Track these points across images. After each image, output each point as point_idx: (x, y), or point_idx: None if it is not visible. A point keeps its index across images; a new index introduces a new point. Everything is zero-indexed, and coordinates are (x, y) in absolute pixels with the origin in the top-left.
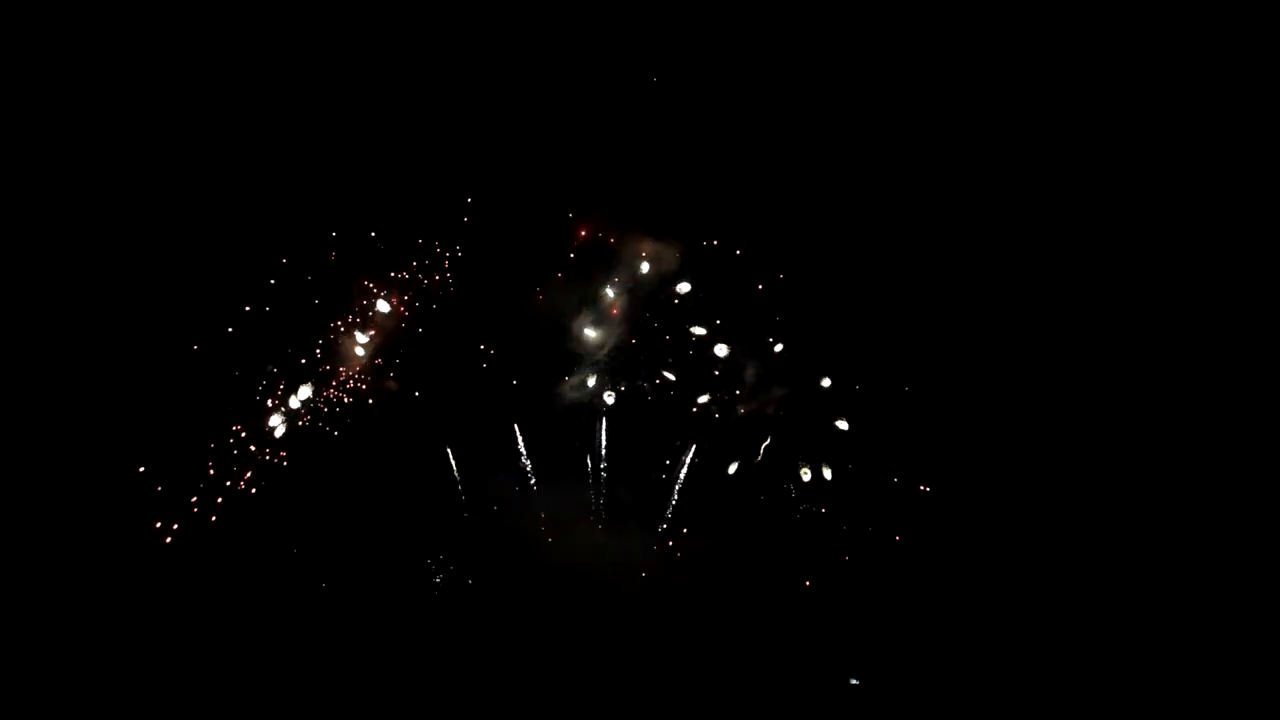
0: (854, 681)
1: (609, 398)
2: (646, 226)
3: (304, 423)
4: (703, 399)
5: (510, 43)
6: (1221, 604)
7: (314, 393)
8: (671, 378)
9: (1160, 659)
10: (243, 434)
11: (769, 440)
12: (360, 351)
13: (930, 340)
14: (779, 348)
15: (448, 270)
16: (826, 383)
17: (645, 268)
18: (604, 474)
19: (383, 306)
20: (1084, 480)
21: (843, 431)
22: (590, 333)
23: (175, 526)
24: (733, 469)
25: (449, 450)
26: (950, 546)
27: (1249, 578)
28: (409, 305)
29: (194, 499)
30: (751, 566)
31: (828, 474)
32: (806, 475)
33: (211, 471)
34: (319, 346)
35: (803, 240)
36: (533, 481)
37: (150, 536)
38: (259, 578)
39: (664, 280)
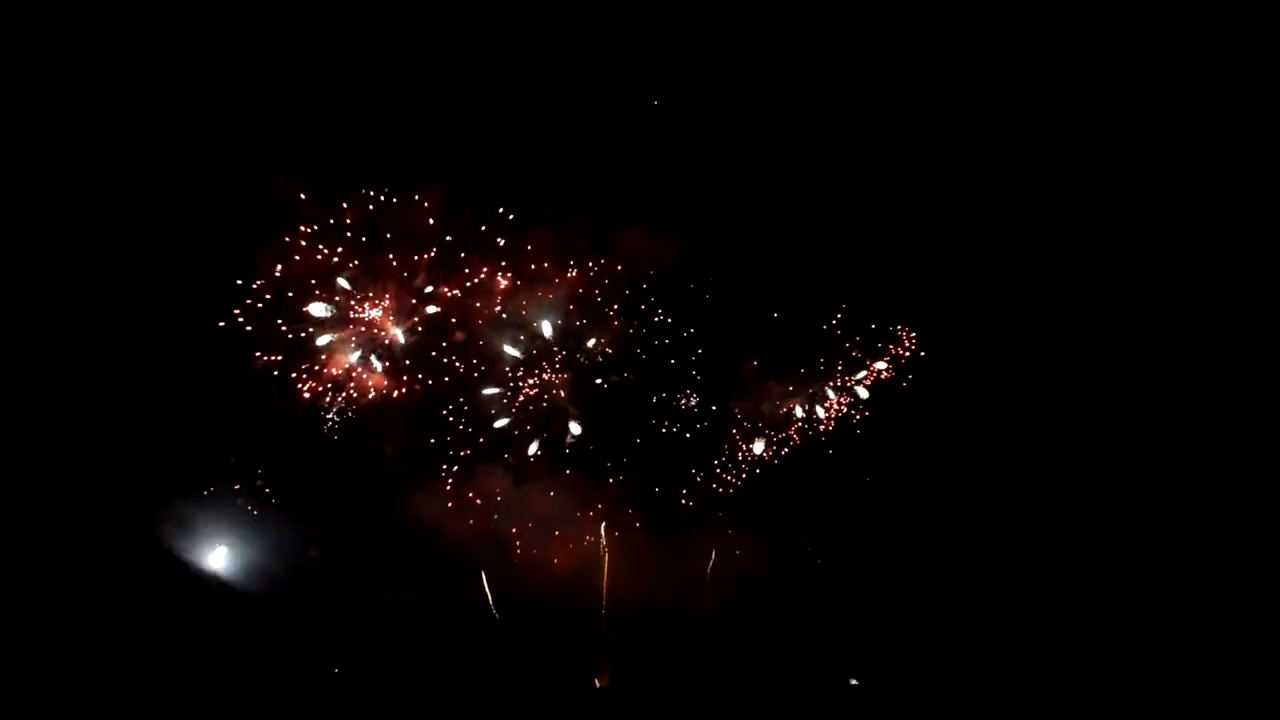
0: (854, 681)
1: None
2: (636, 225)
3: (296, 423)
4: (696, 396)
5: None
6: (1221, 604)
7: (304, 395)
8: (668, 375)
9: (1160, 659)
10: (237, 433)
11: (766, 439)
12: (348, 355)
13: (928, 340)
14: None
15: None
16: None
17: (635, 267)
18: (601, 471)
19: (366, 309)
20: (1083, 480)
21: (843, 430)
22: (590, 335)
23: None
24: (731, 468)
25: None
26: (950, 547)
27: (1249, 578)
28: (394, 307)
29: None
30: (752, 566)
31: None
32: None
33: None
34: (304, 347)
35: (798, 243)
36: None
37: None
38: (259, 576)
39: (656, 279)
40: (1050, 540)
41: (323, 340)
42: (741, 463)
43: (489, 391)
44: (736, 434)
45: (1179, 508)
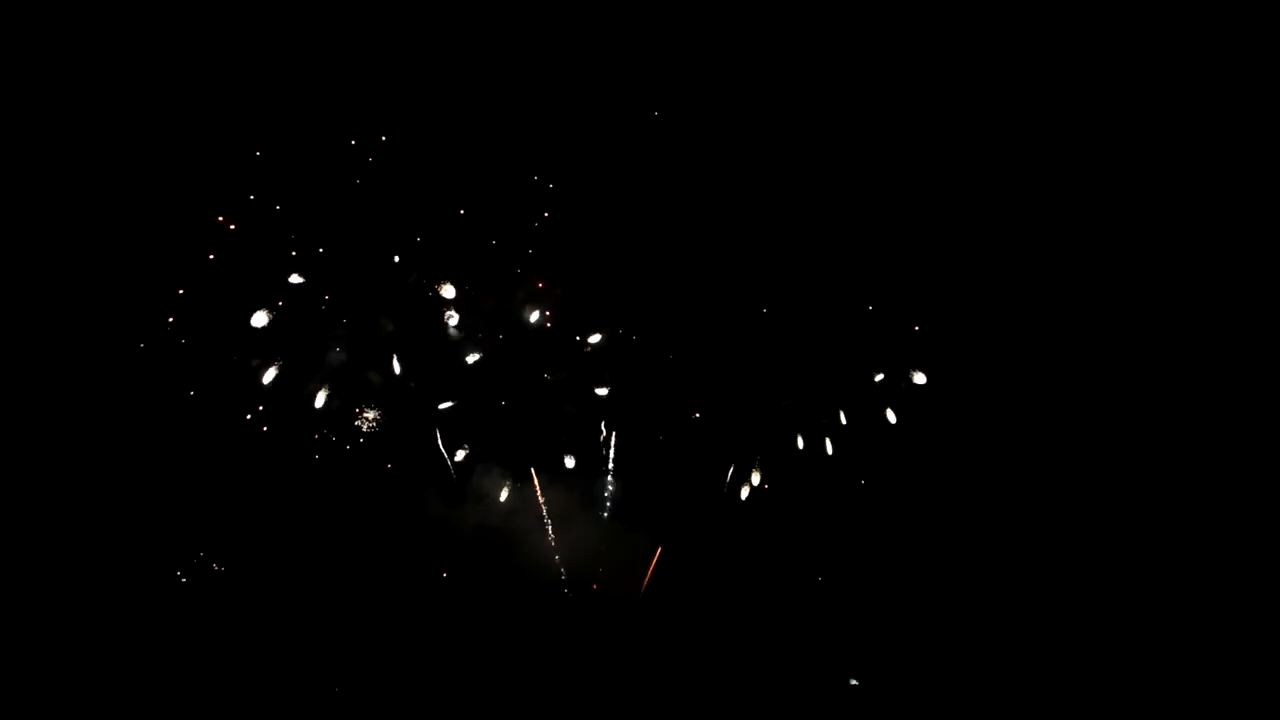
0: (854, 682)
1: (603, 390)
2: (637, 219)
3: (291, 421)
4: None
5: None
6: (1221, 604)
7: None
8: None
9: (1160, 659)
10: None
11: (766, 439)
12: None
13: (924, 341)
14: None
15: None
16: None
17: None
18: (605, 469)
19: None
20: (1084, 480)
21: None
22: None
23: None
24: (730, 467)
25: (441, 447)
26: (949, 546)
27: (1249, 578)
28: (394, 301)
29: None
30: (751, 565)
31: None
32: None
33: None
34: (301, 345)
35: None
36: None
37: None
38: (254, 577)
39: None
40: (1051, 541)
41: (269, 376)
42: (743, 465)
43: (485, 392)
44: (739, 441)
45: (1179, 513)
